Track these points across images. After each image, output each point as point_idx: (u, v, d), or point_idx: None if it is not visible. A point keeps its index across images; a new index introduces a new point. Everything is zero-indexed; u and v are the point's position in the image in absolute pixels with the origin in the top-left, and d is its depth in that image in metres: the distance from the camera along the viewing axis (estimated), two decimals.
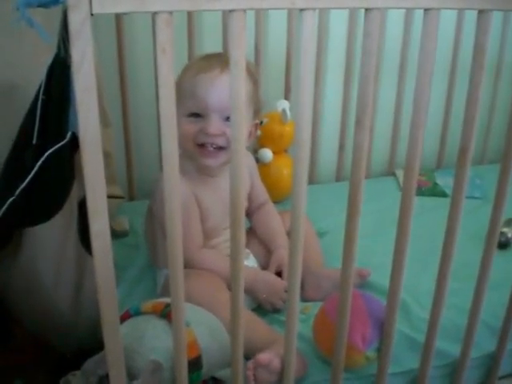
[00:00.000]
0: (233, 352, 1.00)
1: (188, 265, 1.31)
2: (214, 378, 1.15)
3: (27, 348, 1.62)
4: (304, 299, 1.41)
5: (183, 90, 1.31)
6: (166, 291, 1.36)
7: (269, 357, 1.12)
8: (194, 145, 1.33)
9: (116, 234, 1.68)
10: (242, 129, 0.81)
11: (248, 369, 1.12)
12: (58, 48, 1.19)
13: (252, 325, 1.22)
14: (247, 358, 1.12)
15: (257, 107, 1.41)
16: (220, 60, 1.33)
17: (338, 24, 2.09)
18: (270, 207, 1.60)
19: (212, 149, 1.33)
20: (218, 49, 1.90)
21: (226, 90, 1.24)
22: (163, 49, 0.72)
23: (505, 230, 1.73)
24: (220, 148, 1.33)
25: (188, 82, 1.32)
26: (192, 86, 1.31)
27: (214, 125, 1.30)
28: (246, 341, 1.01)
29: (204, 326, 1.14)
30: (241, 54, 0.75)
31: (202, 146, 1.33)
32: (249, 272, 1.33)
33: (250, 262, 1.46)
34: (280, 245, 1.49)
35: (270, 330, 1.27)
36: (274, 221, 1.57)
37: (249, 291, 1.32)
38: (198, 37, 1.91)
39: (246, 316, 1.17)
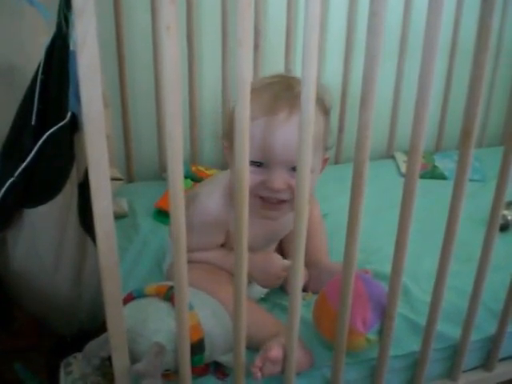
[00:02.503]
0: (235, 338, 1.00)
1: None
2: (216, 363, 1.16)
3: (28, 331, 1.62)
4: (304, 290, 1.40)
5: None
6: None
7: (277, 351, 1.10)
8: (253, 196, 1.17)
9: (115, 216, 1.67)
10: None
11: (255, 366, 1.10)
12: (59, 26, 1.19)
13: (257, 316, 1.21)
14: (250, 348, 1.11)
15: (327, 140, 1.25)
16: (287, 96, 1.14)
17: (338, 6, 2.08)
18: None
19: (275, 201, 1.19)
20: (217, 28, 1.88)
21: (293, 137, 1.02)
22: (168, 27, 0.71)
23: (505, 212, 1.73)
24: (283, 201, 1.20)
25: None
26: (252, 129, 1.05)
27: (279, 179, 1.15)
28: (250, 332, 1.01)
29: (208, 310, 1.14)
30: (246, 32, 0.74)
31: (263, 198, 1.19)
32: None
33: None
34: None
35: (275, 321, 1.25)
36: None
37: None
38: (196, 16, 1.90)
39: (251, 307, 1.16)
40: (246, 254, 0.91)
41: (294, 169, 1.12)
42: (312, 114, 0.83)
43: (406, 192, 1.00)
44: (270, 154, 1.13)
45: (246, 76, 0.76)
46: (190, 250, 1.28)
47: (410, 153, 0.97)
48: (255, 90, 1.17)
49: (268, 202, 1.19)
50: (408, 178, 0.99)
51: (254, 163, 1.14)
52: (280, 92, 1.15)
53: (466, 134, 1.00)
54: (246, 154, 0.84)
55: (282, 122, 1.12)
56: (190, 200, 1.31)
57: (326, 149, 1.25)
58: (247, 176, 0.85)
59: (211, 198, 1.28)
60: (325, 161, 1.27)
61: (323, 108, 1.20)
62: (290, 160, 1.12)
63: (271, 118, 1.13)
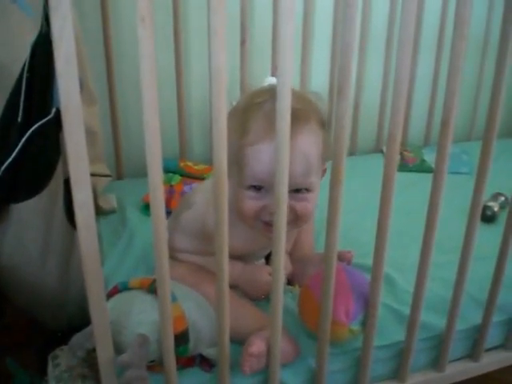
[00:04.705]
0: (219, 331, 1.01)
1: None
2: (201, 356, 1.17)
3: (18, 327, 1.63)
4: (290, 283, 1.41)
5: (239, 156, 1.11)
6: None
7: (258, 346, 1.11)
8: (255, 220, 1.16)
9: (104, 212, 1.69)
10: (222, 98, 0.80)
11: (243, 366, 1.12)
12: (42, 24, 1.20)
13: (241, 309, 1.23)
14: (236, 341, 1.13)
15: (326, 153, 1.20)
16: None
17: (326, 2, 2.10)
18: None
19: None
20: (204, 23, 1.88)
21: (293, 161, 1.01)
22: (142, 18, 0.71)
23: (491, 203, 1.75)
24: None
25: (245, 149, 1.11)
26: (251, 155, 1.10)
27: None
28: (234, 325, 1.02)
29: (192, 303, 1.15)
30: (220, 22, 0.75)
31: (266, 222, 1.16)
32: (236, 268, 1.29)
33: None
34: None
35: (259, 314, 1.26)
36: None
37: (232, 286, 1.21)
38: (183, 11, 1.92)
39: (235, 300, 1.18)
40: (226, 240, 0.91)
41: (295, 190, 1.12)
42: (288, 105, 0.83)
43: (386, 179, 1.01)
44: (269, 179, 1.05)
45: (220, 65, 0.77)
46: (182, 251, 1.30)
47: (388, 142, 0.98)
48: (247, 111, 1.13)
49: (270, 225, 1.11)
50: (387, 167, 1.00)
51: (253, 187, 1.13)
52: (273, 113, 1.00)
53: (444, 123, 1.02)
54: (224, 149, 0.84)
55: None
56: (187, 205, 1.31)
57: (325, 161, 1.21)
58: (225, 173, 0.86)
59: (208, 209, 1.21)
60: (323, 171, 1.23)
61: (321, 121, 1.17)
62: (292, 183, 1.05)
63: (268, 143, 1.07)
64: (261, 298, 1.33)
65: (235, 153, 1.11)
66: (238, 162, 1.12)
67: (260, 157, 1.09)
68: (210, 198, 1.20)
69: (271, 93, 1.12)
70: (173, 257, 1.31)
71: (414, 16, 0.87)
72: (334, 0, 2.08)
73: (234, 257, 1.28)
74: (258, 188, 1.12)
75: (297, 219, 1.16)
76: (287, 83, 0.83)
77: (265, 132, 1.09)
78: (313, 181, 1.15)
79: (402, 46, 0.90)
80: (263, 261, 1.43)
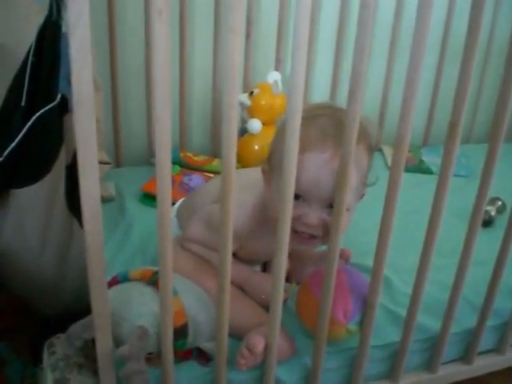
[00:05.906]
0: (218, 325, 1.01)
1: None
2: (199, 349, 1.16)
3: (11, 311, 1.62)
4: (288, 281, 1.40)
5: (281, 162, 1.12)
6: None
7: (262, 342, 1.11)
8: None
9: (102, 199, 1.68)
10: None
11: (242, 357, 1.12)
12: (50, 10, 1.19)
13: (241, 305, 1.23)
14: (234, 337, 1.13)
15: (367, 178, 1.21)
16: (335, 134, 1.09)
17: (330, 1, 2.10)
18: None
19: (307, 236, 1.17)
20: (209, 15, 1.89)
21: (329, 175, 1.06)
22: (159, 11, 0.71)
23: (489, 208, 1.75)
24: (315, 236, 1.17)
25: None
26: (298, 162, 1.02)
27: (315, 215, 1.13)
28: (233, 320, 1.02)
29: (192, 297, 1.14)
30: (238, 20, 0.74)
31: (297, 232, 1.16)
32: (243, 273, 1.30)
33: None
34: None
35: (258, 310, 1.25)
36: None
37: (237, 287, 1.28)
38: (189, 3, 1.90)
39: (236, 296, 1.19)
40: (230, 238, 0.92)
41: (330, 206, 1.10)
42: (300, 106, 0.83)
43: (391, 183, 1.01)
44: (311, 190, 1.10)
45: (234, 62, 0.76)
46: (195, 242, 1.29)
47: (395, 145, 0.98)
48: (303, 120, 1.12)
49: (300, 236, 1.17)
50: (393, 170, 1.00)
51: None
52: (328, 127, 1.11)
53: (452, 125, 1.01)
54: (234, 147, 0.84)
55: (327, 161, 1.09)
56: (216, 198, 1.30)
57: (366, 185, 1.22)
58: (233, 172, 0.86)
59: (240, 208, 1.19)
60: (361, 195, 1.23)
61: (368, 147, 1.17)
62: (328, 198, 1.10)
63: (317, 155, 1.09)
64: (264, 304, 1.29)
65: (279, 158, 1.10)
66: (278, 166, 1.09)
67: (307, 165, 1.09)
68: (242, 198, 1.20)
69: (332, 110, 1.18)
70: (180, 244, 1.32)
71: (429, 20, 0.87)
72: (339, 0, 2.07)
73: (243, 259, 1.31)
74: (297, 197, 1.08)
75: (326, 234, 1.13)
76: (300, 84, 0.83)
77: (316, 142, 1.09)
78: (348, 200, 1.10)
79: (415, 48, 0.89)
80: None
